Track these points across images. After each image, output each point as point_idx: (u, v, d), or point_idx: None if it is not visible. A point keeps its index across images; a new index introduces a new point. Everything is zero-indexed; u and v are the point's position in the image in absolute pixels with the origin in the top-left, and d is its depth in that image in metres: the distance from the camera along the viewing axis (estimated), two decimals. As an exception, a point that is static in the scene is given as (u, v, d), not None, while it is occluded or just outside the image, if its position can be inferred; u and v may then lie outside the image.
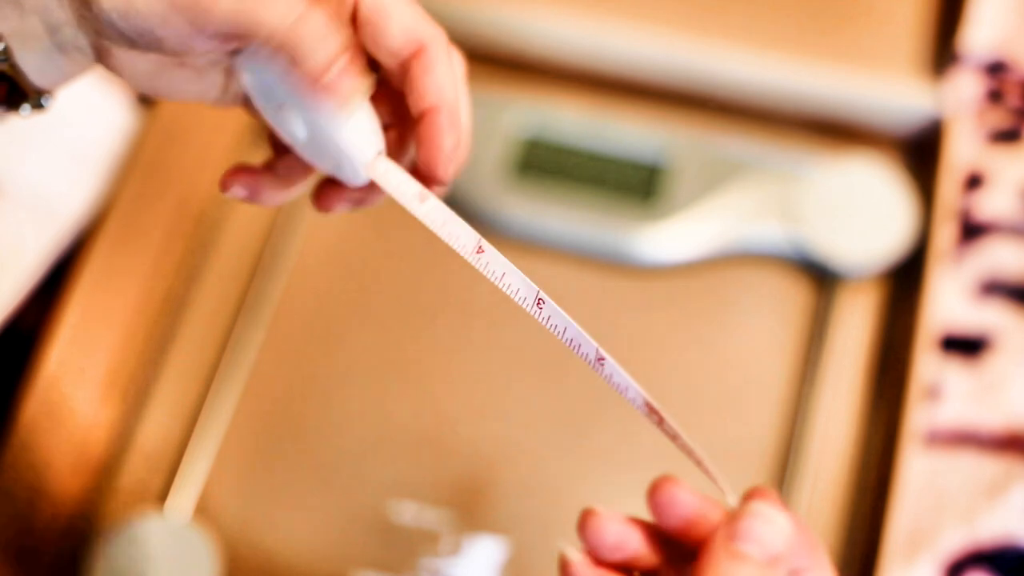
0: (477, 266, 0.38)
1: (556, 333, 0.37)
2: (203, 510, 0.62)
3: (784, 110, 0.68)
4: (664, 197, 0.66)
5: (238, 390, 0.65)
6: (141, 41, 0.37)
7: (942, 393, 0.63)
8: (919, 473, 0.61)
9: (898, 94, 0.66)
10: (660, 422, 0.38)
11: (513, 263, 0.38)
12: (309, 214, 0.68)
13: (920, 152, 0.67)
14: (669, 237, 0.65)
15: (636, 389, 0.38)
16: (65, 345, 0.60)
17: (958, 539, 0.60)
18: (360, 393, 0.65)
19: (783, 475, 0.61)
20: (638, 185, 0.67)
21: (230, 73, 0.42)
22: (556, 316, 0.37)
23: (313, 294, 0.67)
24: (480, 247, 0.38)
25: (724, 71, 0.68)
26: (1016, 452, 0.62)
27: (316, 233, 0.68)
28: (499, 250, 0.38)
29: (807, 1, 0.69)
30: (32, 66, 0.39)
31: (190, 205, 0.68)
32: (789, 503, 0.60)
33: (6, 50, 0.38)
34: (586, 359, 0.37)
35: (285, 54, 0.35)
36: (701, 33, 0.68)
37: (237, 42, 0.37)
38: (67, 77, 0.41)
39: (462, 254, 0.38)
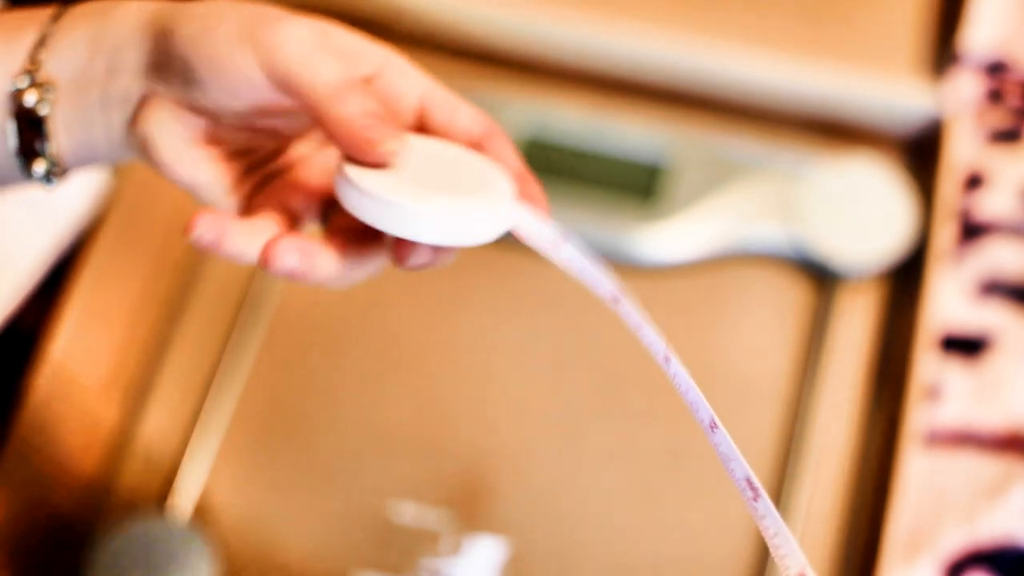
0: (618, 313, 0.39)
1: (680, 391, 0.38)
2: (203, 510, 0.62)
3: (784, 110, 0.68)
4: (664, 197, 0.66)
5: (238, 390, 0.65)
6: (203, 73, 0.38)
7: (942, 393, 0.63)
8: (919, 473, 0.61)
9: (898, 94, 0.66)
10: (755, 498, 0.38)
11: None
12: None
13: (920, 152, 0.67)
14: (669, 237, 0.65)
15: (741, 462, 0.37)
16: (65, 345, 0.60)
17: (958, 539, 0.60)
18: (360, 393, 0.65)
19: (783, 475, 0.61)
20: (638, 185, 0.67)
21: (243, 179, 0.43)
22: (681, 376, 0.38)
23: (313, 294, 0.67)
24: (618, 297, 0.39)
25: (724, 71, 0.68)
26: (1016, 452, 0.62)
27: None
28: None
29: (807, 1, 0.69)
30: (64, 126, 0.40)
31: (190, 205, 0.68)
32: (789, 503, 0.60)
33: (53, 96, 0.40)
34: (701, 423, 0.38)
35: (325, 105, 0.38)
36: (701, 33, 0.68)
37: (279, 96, 0.39)
38: (89, 147, 0.41)
39: (603, 300, 0.39)
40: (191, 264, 0.68)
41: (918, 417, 0.60)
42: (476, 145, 0.41)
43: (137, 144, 0.41)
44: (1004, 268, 0.66)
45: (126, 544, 0.59)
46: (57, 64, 0.40)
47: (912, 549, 0.60)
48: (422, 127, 0.41)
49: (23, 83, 0.40)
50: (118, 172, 0.66)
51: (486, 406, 0.64)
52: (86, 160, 0.42)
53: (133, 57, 0.39)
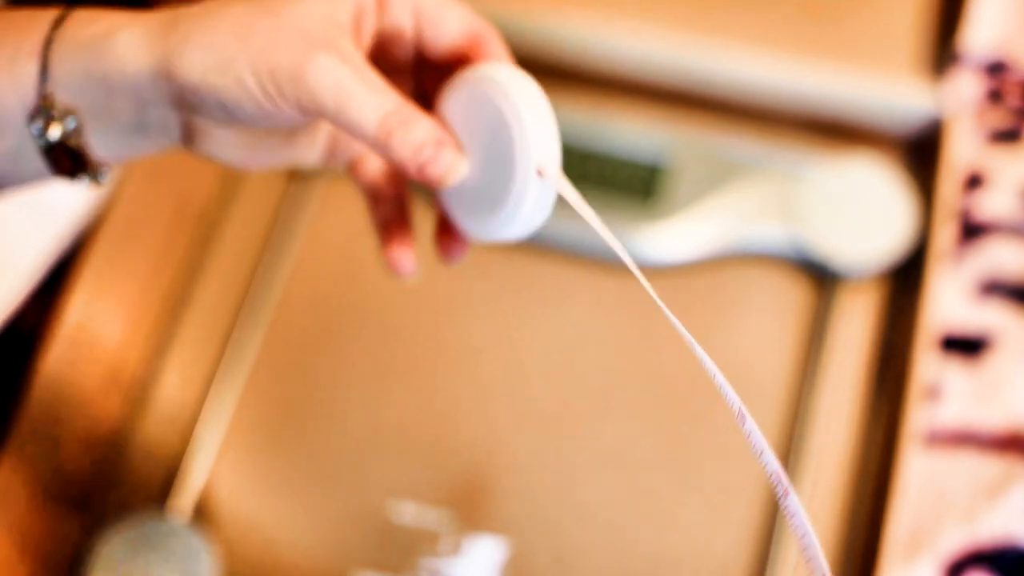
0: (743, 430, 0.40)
1: (794, 527, 0.38)
2: (203, 509, 0.62)
3: (784, 110, 0.68)
4: (664, 197, 0.66)
5: (238, 390, 0.65)
6: (240, 114, 0.38)
7: (942, 393, 0.63)
8: (919, 473, 0.61)
9: (898, 94, 0.66)
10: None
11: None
12: (309, 214, 0.68)
13: (920, 152, 0.67)
14: (669, 237, 0.65)
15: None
16: (65, 345, 0.60)
17: (958, 539, 0.60)
18: (360, 393, 0.65)
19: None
20: (638, 185, 0.67)
21: (328, 136, 0.44)
22: (796, 508, 0.38)
23: (313, 294, 0.67)
24: (742, 414, 0.42)
25: (724, 71, 0.68)
26: (1016, 452, 0.62)
27: (316, 233, 0.68)
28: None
29: (807, 1, 0.69)
30: (102, 143, 0.40)
31: (190, 205, 0.68)
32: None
33: (78, 124, 0.39)
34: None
35: (378, 147, 0.38)
36: (701, 33, 0.68)
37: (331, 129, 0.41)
38: (136, 154, 0.41)
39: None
40: (192, 264, 0.68)
41: (918, 417, 0.60)
42: (467, 52, 0.42)
43: (196, 155, 0.41)
44: (1004, 268, 0.66)
45: (126, 542, 0.59)
46: (70, 96, 0.39)
47: (912, 549, 0.60)
48: (418, 40, 0.42)
49: (44, 119, 0.39)
50: (118, 172, 0.66)
51: (486, 406, 0.64)
52: (132, 158, 0.42)
53: (156, 96, 0.39)
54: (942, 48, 0.67)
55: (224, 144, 0.41)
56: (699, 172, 0.66)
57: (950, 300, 0.65)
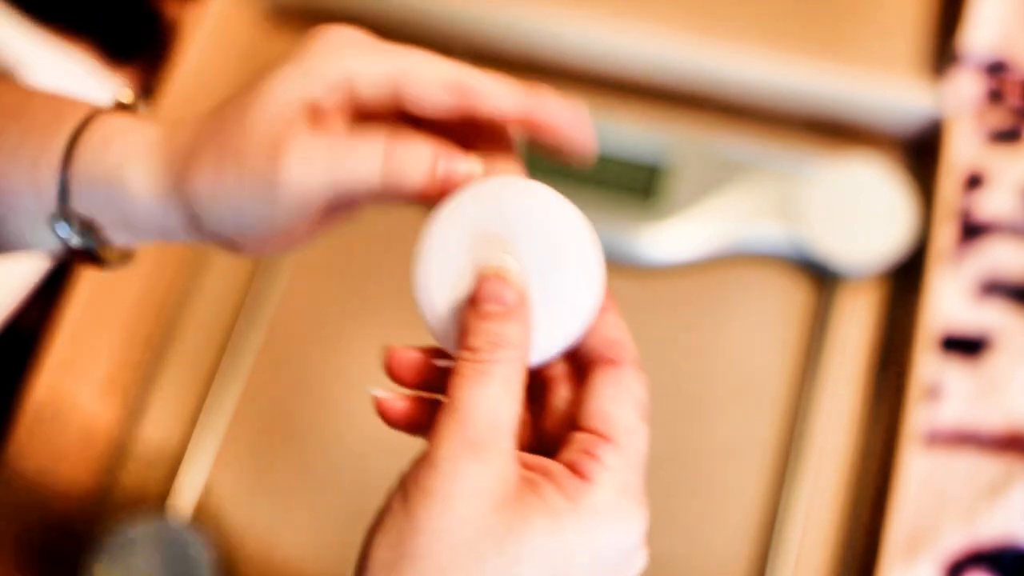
0: None
1: None
2: (203, 510, 0.62)
3: (784, 110, 0.68)
4: (664, 197, 0.66)
5: (238, 390, 0.65)
6: (254, 237, 0.38)
7: (942, 393, 0.63)
8: (919, 473, 0.61)
9: (898, 94, 0.66)
10: None
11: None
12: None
13: (920, 152, 0.67)
14: (669, 237, 0.65)
15: None
16: (65, 345, 0.60)
17: (958, 539, 0.60)
18: (360, 393, 0.65)
19: (783, 475, 0.61)
20: (638, 185, 0.67)
21: (327, 211, 0.42)
22: None
23: (313, 294, 0.67)
24: None
25: (724, 71, 0.68)
26: (1016, 452, 0.62)
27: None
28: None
29: (807, 1, 0.69)
30: (125, 238, 0.41)
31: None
32: (789, 503, 0.61)
33: (97, 232, 0.40)
34: None
35: (391, 190, 0.37)
36: (701, 33, 0.68)
37: (344, 201, 0.38)
38: (162, 240, 0.42)
39: None
40: (191, 264, 0.68)
41: (918, 417, 0.60)
42: (524, 122, 0.39)
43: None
44: (1004, 268, 0.66)
45: (126, 544, 0.59)
46: (90, 212, 0.39)
47: (912, 549, 0.60)
48: (465, 114, 0.39)
49: (63, 225, 0.39)
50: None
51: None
52: (161, 243, 0.42)
53: (177, 223, 0.39)
54: (942, 48, 0.67)
55: (255, 246, 0.41)
56: (699, 172, 0.66)
57: (950, 300, 0.65)
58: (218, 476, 0.63)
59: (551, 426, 0.37)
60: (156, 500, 0.62)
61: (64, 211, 0.39)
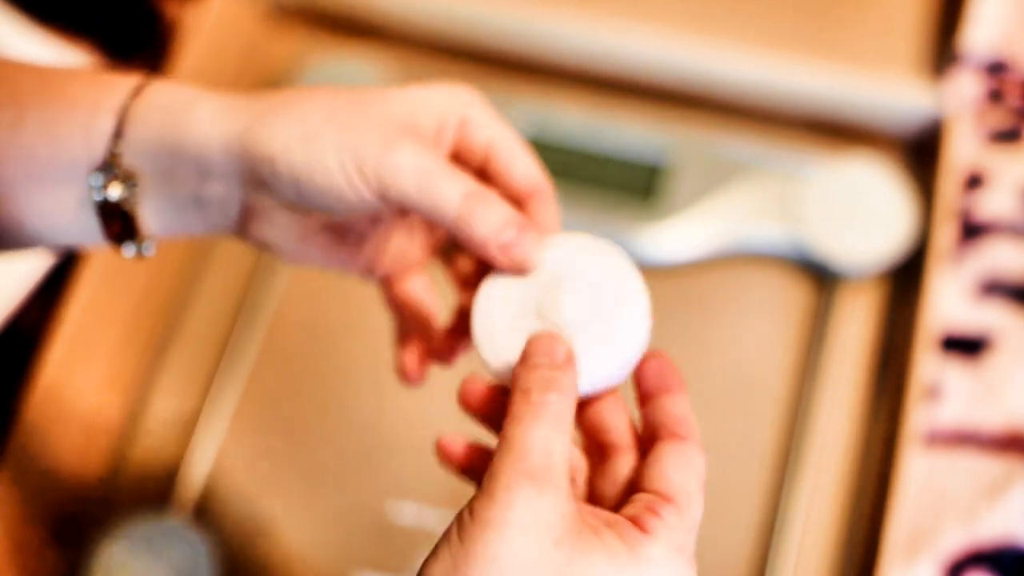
0: None
1: None
2: (203, 510, 0.62)
3: (784, 110, 0.68)
4: (664, 197, 0.66)
5: (238, 390, 0.65)
6: (315, 197, 0.39)
7: (942, 393, 0.63)
8: (919, 473, 0.61)
9: (898, 94, 0.66)
10: None
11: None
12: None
13: (920, 152, 0.67)
14: (669, 237, 0.65)
15: None
16: (65, 345, 0.60)
17: (958, 539, 0.60)
18: (360, 393, 0.65)
19: (783, 475, 0.61)
20: (638, 185, 0.67)
21: (374, 249, 0.44)
22: None
23: (313, 294, 0.67)
24: None
25: (724, 71, 0.68)
26: (1016, 452, 0.62)
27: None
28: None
29: (807, 1, 0.69)
30: (156, 211, 0.40)
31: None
32: (790, 502, 0.61)
33: (136, 189, 0.40)
34: None
35: (460, 227, 0.39)
36: (701, 33, 0.68)
37: (414, 223, 0.42)
38: (185, 231, 0.42)
39: None
40: (192, 264, 0.68)
41: (918, 417, 0.60)
42: (523, 198, 0.42)
43: (250, 243, 0.42)
44: (1004, 268, 0.66)
45: (126, 544, 0.59)
46: (137, 159, 0.39)
47: (912, 549, 0.60)
48: (484, 170, 0.42)
49: (106, 176, 0.39)
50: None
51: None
52: (179, 235, 0.42)
53: (226, 171, 0.39)
54: (942, 48, 0.67)
55: (280, 230, 0.41)
56: (699, 172, 0.66)
57: (950, 300, 0.65)
58: (218, 476, 0.63)
59: (609, 490, 0.39)
60: (157, 499, 0.62)
61: (113, 151, 0.39)
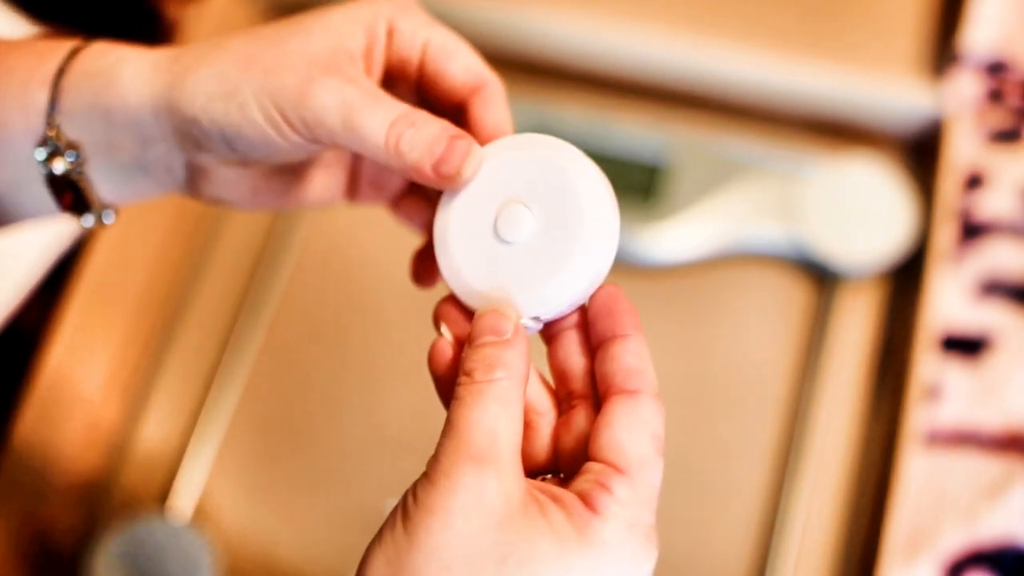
0: None
1: None
2: (203, 510, 0.62)
3: (784, 110, 0.68)
4: (664, 197, 0.66)
5: (238, 390, 0.65)
6: (245, 149, 0.38)
7: (942, 393, 0.63)
8: (919, 473, 0.61)
9: (898, 94, 0.66)
10: None
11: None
12: (309, 214, 0.68)
13: (920, 152, 0.67)
14: (669, 237, 0.65)
15: None
16: (65, 345, 0.60)
17: (958, 539, 0.60)
18: (360, 393, 0.65)
19: (783, 475, 0.61)
20: (638, 185, 0.67)
21: (349, 170, 0.43)
22: None
23: (313, 294, 0.67)
24: None
25: (724, 71, 0.68)
26: (1016, 452, 0.62)
27: (316, 233, 0.68)
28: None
29: (807, 1, 0.69)
30: (105, 179, 0.40)
31: (190, 205, 0.68)
32: (789, 503, 0.60)
33: (79, 160, 0.39)
34: None
35: (390, 158, 0.36)
36: (701, 33, 0.68)
37: (332, 146, 0.38)
38: (138, 196, 0.41)
39: None
40: (191, 264, 0.68)
41: (918, 417, 0.60)
42: (465, 99, 0.40)
43: (204, 201, 0.41)
44: (1004, 268, 0.66)
45: (126, 544, 0.59)
46: (75, 130, 0.39)
47: (912, 549, 0.60)
48: (421, 72, 0.40)
49: (48, 151, 0.38)
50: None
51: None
52: (138, 200, 0.41)
53: (161, 134, 0.38)
54: (942, 48, 0.67)
55: (230, 185, 0.40)
56: (699, 172, 0.66)
57: (950, 300, 0.65)
58: (218, 476, 0.63)
59: (569, 442, 0.37)
60: (156, 500, 0.62)
61: (51, 124, 0.38)
